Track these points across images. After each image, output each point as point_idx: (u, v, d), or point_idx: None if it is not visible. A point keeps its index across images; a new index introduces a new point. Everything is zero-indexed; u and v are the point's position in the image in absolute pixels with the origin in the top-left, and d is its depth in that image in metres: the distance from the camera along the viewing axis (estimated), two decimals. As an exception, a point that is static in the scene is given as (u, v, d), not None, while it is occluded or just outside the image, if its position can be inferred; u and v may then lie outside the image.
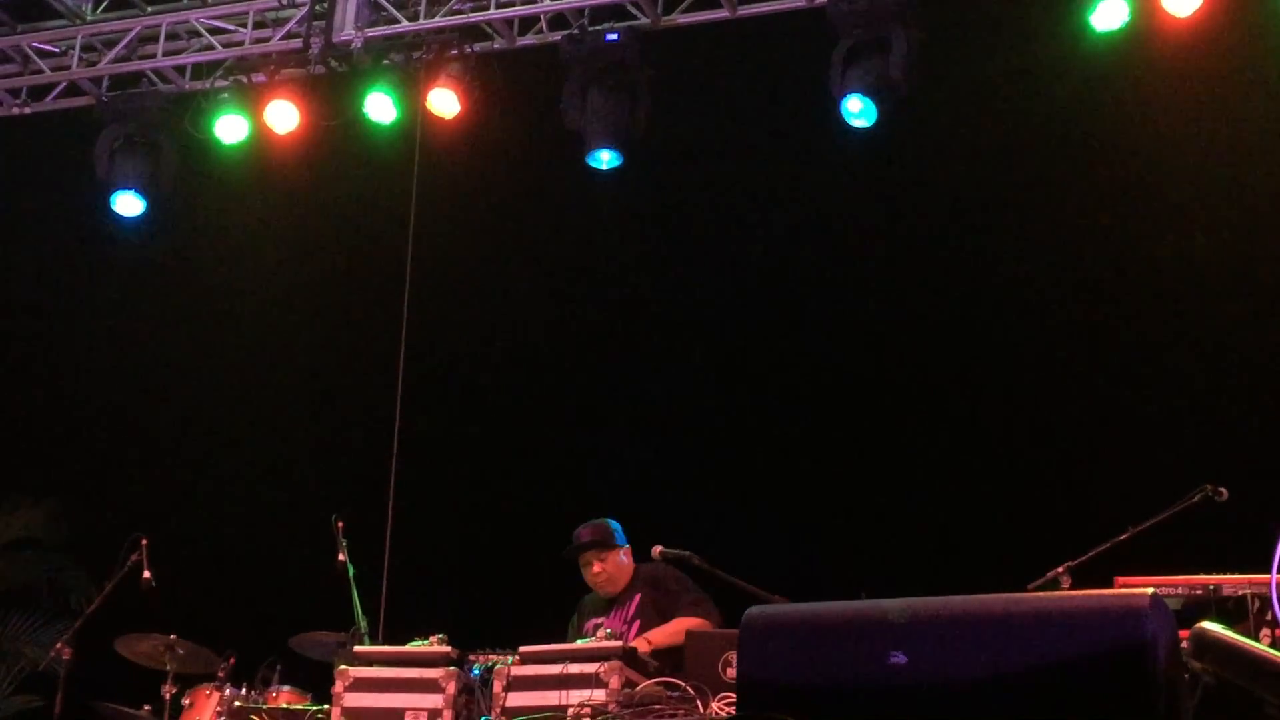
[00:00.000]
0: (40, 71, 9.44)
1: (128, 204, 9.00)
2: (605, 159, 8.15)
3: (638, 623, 6.33)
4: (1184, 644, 3.21)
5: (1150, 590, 2.81)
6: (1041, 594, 3.11)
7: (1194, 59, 7.45)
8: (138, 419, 9.97)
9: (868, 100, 7.54)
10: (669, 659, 5.84)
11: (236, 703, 6.32)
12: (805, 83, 7.92)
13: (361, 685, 5.70)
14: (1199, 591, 5.45)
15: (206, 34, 9.11)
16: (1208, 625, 3.27)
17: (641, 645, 5.91)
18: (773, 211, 8.90)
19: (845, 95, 7.55)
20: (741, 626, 3.10)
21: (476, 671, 5.65)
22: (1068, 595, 3.20)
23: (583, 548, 6.48)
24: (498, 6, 8.54)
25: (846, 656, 2.93)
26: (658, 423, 8.89)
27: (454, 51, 8.57)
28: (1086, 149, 8.23)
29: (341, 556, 6.91)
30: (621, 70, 8.04)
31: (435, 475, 8.90)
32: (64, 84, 9.45)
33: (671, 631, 6.06)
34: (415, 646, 5.86)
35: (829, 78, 7.66)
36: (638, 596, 6.38)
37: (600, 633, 5.82)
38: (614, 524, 6.56)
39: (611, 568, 6.47)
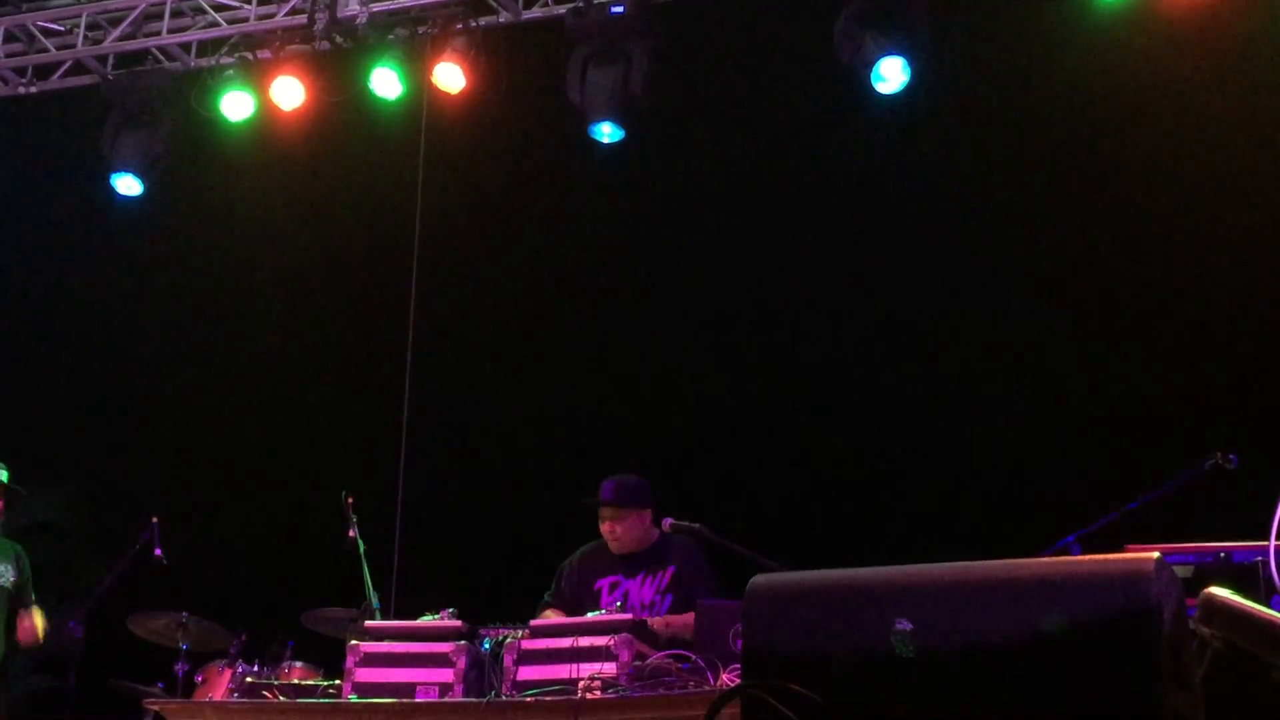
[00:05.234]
0: (45, 50, 9.44)
1: (127, 185, 9.04)
2: (606, 132, 8.14)
3: (671, 597, 6.28)
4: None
5: (1156, 554, 2.80)
6: (1046, 559, 3.11)
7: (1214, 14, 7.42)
8: (147, 398, 9.98)
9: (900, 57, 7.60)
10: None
11: (249, 679, 6.31)
12: (818, 49, 7.87)
13: (372, 660, 5.69)
14: (1210, 559, 5.43)
15: (211, 10, 9.10)
16: (1215, 590, 3.25)
17: (659, 625, 5.91)
18: (782, 181, 8.85)
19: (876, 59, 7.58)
20: (745, 595, 3.09)
21: (487, 645, 5.64)
22: (1073, 560, 3.20)
23: (601, 503, 6.45)
24: (502, -20, 8.53)
25: (851, 623, 2.93)
26: (670, 393, 8.86)
27: (459, 26, 8.56)
28: (1101, 116, 8.15)
29: (352, 533, 6.91)
30: (621, 41, 8.01)
31: (445, 450, 8.89)
32: (69, 62, 9.45)
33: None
34: (425, 621, 5.87)
35: (841, 44, 7.66)
36: (671, 569, 6.32)
37: (613, 605, 5.84)
38: (640, 485, 6.49)
39: (623, 530, 6.41)
